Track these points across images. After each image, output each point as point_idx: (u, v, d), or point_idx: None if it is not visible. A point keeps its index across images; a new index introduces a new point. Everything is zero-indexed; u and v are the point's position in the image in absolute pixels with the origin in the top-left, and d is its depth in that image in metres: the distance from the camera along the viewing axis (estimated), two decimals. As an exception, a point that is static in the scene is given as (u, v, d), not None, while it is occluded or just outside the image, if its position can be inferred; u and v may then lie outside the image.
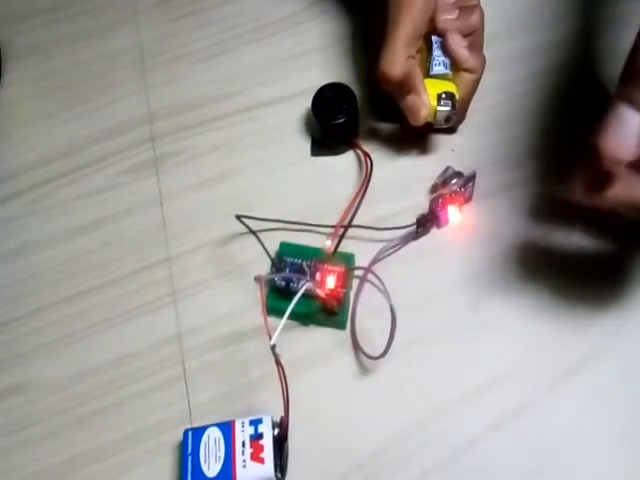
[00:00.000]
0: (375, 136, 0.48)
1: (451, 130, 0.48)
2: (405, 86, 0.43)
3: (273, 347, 0.35)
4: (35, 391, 0.41)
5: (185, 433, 0.37)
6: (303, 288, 0.38)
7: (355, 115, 0.47)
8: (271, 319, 0.38)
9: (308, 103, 0.47)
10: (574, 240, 0.43)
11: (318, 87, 0.47)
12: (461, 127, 0.48)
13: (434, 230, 0.44)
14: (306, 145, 0.49)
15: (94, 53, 0.55)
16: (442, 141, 0.48)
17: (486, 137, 0.48)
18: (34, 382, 0.41)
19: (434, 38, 0.45)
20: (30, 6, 0.58)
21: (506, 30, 0.52)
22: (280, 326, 0.35)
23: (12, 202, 0.49)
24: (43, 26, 0.57)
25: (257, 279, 0.38)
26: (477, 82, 0.45)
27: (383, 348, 0.38)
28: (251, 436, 0.36)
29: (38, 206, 0.48)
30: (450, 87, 0.44)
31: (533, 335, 0.40)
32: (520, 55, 0.51)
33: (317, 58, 0.53)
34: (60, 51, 0.56)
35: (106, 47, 0.56)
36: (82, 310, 0.44)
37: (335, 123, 0.46)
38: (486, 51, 0.45)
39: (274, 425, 0.36)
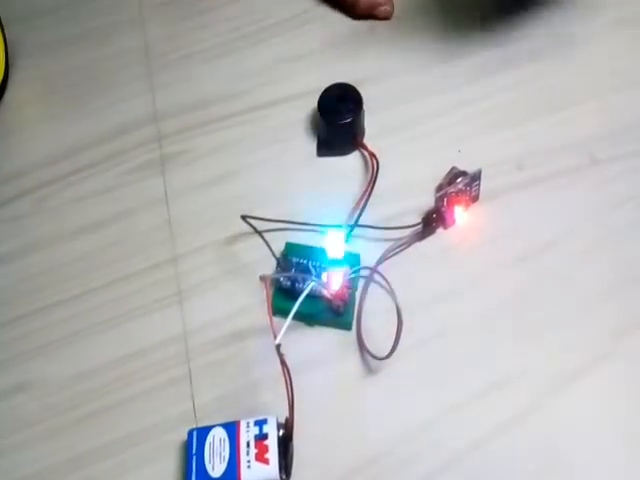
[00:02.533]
0: (381, 136, 0.48)
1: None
2: None
3: (278, 346, 0.35)
4: (38, 389, 0.41)
5: (190, 433, 0.37)
6: (308, 288, 0.38)
7: (361, 115, 0.47)
8: (277, 319, 0.38)
9: (314, 103, 0.47)
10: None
11: (324, 87, 0.47)
12: (468, 129, 0.48)
13: (440, 230, 0.44)
14: (312, 145, 0.49)
15: (100, 53, 0.56)
16: (448, 142, 0.48)
17: (492, 137, 0.48)
18: (38, 380, 0.41)
19: None
20: (38, 6, 0.59)
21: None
22: (285, 326, 0.35)
23: (19, 201, 0.49)
24: (50, 26, 0.58)
25: (262, 278, 0.38)
26: None
27: (389, 349, 0.37)
28: (256, 436, 0.36)
29: (45, 205, 0.48)
30: None
31: (540, 336, 0.40)
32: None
33: (323, 58, 0.53)
34: (67, 51, 0.56)
35: (112, 47, 0.56)
36: (87, 309, 0.43)
37: (341, 123, 0.46)
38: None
39: (279, 426, 0.36)
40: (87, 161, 0.50)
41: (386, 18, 0.55)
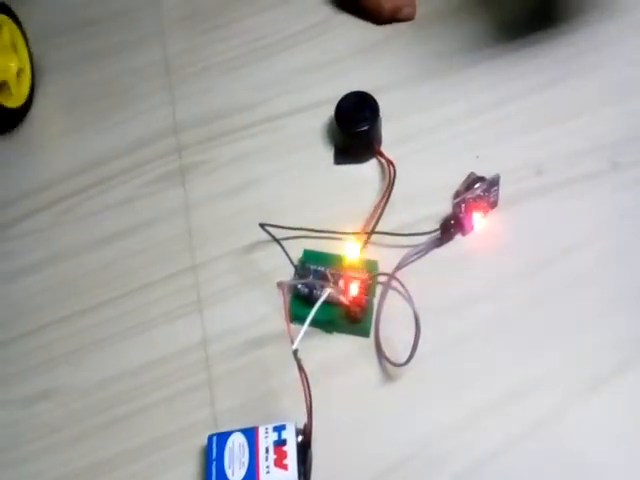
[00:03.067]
0: (398, 143, 0.48)
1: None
2: None
3: (295, 352, 0.35)
4: (63, 396, 0.42)
5: (210, 438, 0.37)
6: (325, 294, 0.38)
7: (378, 123, 0.47)
8: (295, 326, 0.38)
9: (331, 112, 0.48)
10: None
11: (341, 96, 0.48)
12: (486, 135, 0.48)
13: (459, 237, 0.44)
14: (329, 154, 0.49)
15: (122, 67, 0.57)
16: (466, 149, 0.48)
17: (510, 143, 0.48)
18: (63, 387, 0.42)
19: None
20: (62, 23, 0.60)
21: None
22: (302, 331, 0.35)
23: (44, 212, 0.50)
24: (74, 42, 0.59)
25: (279, 285, 0.38)
26: None
27: (407, 355, 0.37)
28: (275, 442, 0.36)
29: (69, 216, 0.50)
30: None
31: (560, 343, 0.40)
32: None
33: (340, 67, 0.53)
34: (90, 66, 0.57)
35: (134, 61, 0.57)
36: (110, 317, 0.44)
37: (358, 131, 0.47)
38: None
39: (298, 432, 0.36)
40: (110, 173, 0.51)
41: (409, 19, 0.55)
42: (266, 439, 0.36)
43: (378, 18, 0.55)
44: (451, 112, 0.50)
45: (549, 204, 0.45)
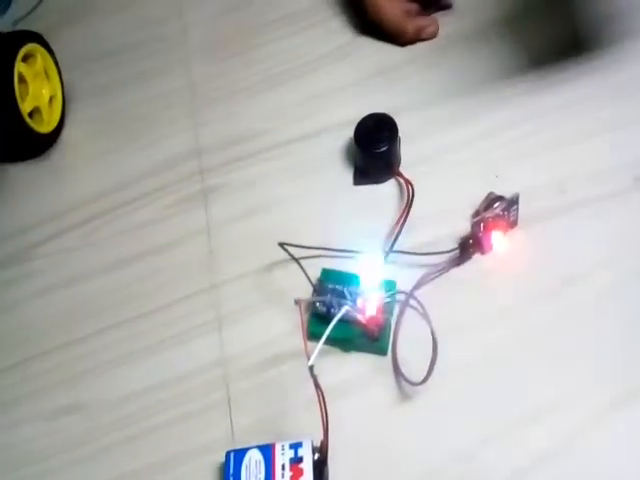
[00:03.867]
0: (418, 164, 0.48)
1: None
2: None
3: (311, 368, 0.35)
4: (84, 412, 0.42)
5: (227, 455, 0.37)
6: (342, 312, 0.38)
7: (397, 143, 0.48)
8: (312, 344, 0.38)
9: (350, 133, 0.48)
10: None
11: (360, 118, 0.48)
12: (506, 154, 0.48)
13: (478, 256, 0.44)
14: (349, 174, 0.50)
15: (149, 93, 0.58)
16: (486, 168, 0.48)
17: (531, 161, 0.48)
18: (83, 404, 0.43)
19: None
20: (92, 51, 0.63)
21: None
22: (318, 347, 0.35)
23: (69, 234, 0.51)
24: (103, 70, 0.61)
25: (297, 302, 0.39)
26: None
27: (424, 374, 0.37)
28: (291, 459, 0.36)
29: (94, 238, 0.51)
30: None
31: (580, 365, 0.39)
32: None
33: (360, 89, 0.54)
34: (118, 92, 0.59)
35: (160, 87, 0.59)
36: (131, 335, 0.45)
37: (377, 152, 0.47)
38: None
39: (314, 449, 0.36)
40: (133, 195, 0.52)
41: (432, 38, 0.56)
42: (282, 456, 0.36)
43: (401, 39, 0.56)
44: (470, 131, 0.50)
45: (571, 223, 0.44)
